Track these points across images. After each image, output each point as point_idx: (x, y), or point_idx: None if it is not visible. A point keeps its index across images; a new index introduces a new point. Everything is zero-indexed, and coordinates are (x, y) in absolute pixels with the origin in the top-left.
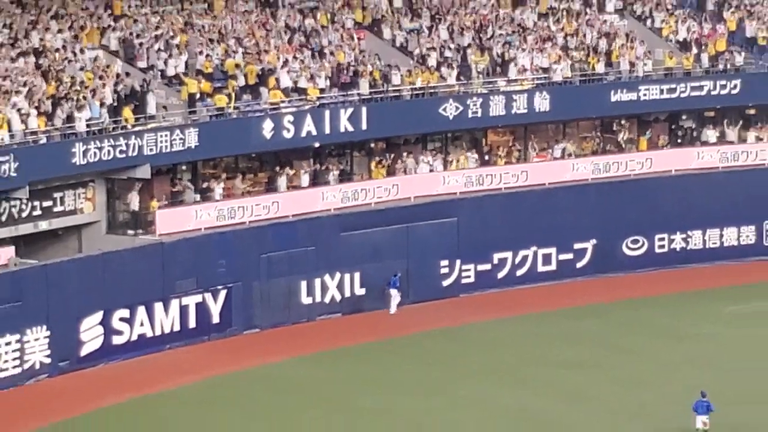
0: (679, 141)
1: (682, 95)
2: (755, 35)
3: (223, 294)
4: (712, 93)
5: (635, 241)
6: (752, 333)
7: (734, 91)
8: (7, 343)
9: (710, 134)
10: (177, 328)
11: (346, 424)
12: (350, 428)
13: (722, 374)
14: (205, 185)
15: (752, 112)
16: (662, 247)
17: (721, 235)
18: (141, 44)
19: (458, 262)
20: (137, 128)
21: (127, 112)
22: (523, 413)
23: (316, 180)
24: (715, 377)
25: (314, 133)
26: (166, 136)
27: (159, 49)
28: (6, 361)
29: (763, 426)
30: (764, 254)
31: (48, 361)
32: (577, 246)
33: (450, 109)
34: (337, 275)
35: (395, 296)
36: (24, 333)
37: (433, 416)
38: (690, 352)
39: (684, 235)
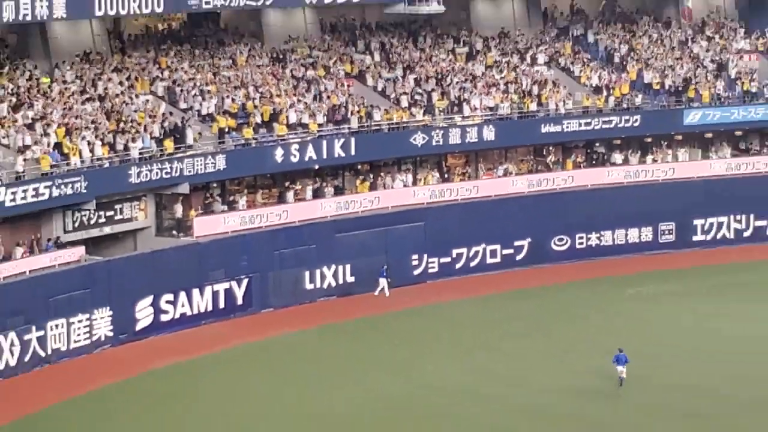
0: (593, 162)
1: (596, 127)
2: (651, 81)
3: (245, 282)
4: (619, 126)
5: (561, 239)
6: (648, 308)
7: (635, 124)
8: (80, 321)
9: (617, 157)
10: (210, 308)
11: (343, 379)
12: (345, 383)
13: (625, 339)
14: (231, 198)
15: (649, 140)
16: (581, 243)
17: (626, 234)
18: (181, 90)
19: (425, 256)
20: (178, 155)
21: (168, 143)
22: (477, 370)
23: (317, 194)
24: (620, 342)
25: (315, 157)
26: (201, 160)
27: (195, 94)
28: (78, 335)
29: (656, 374)
30: (659, 249)
31: (111, 334)
32: (516, 243)
33: (418, 139)
34: (333, 267)
35: (383, 283)
36: (92, 313)
37: (413, 371)
38: (602, 323)
39: (598, 234)
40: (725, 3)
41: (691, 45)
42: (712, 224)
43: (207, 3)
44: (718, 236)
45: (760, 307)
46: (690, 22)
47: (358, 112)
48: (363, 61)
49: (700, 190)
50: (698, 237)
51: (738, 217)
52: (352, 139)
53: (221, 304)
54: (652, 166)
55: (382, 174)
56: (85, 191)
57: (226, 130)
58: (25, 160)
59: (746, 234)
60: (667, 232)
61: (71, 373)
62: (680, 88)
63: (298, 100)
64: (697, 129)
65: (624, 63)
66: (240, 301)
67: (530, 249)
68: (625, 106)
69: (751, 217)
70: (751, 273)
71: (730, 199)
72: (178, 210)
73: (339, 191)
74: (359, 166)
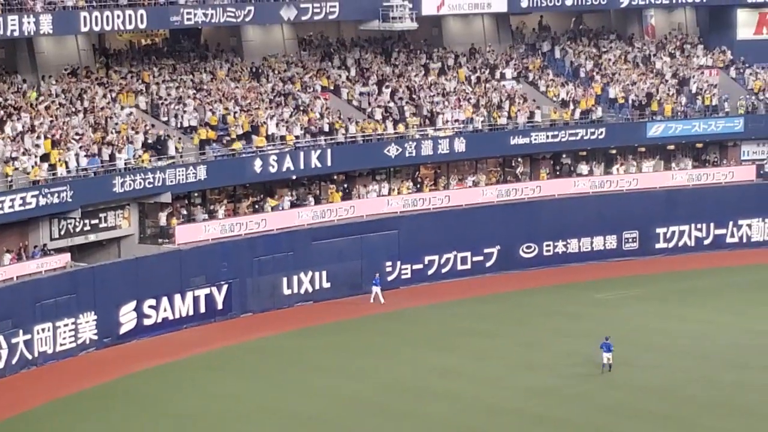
0: (559, 173)
1: (563, 140)
2: (615, 96)
3: (225, 287)
4: (584, 138)
5: (529, 247)
6: (613, 312)
7: (600, 137)
8: (65, 325)
9: (583, 168)
10: (191, 312)
11: (319, 380)
12: (321, 383)
13: (593, 340)
14: (211, 207)
15: (613, 151)
16: (549, 251)
17: (592, 242)
18: (163, 104)
19: (399, 262)
20: (161, 165)
21: (145, 156)
22: (447, 370)
23: (294, 203)
24: (589, 341)
25: (292, 168)
26: (182, 171)
27: (176, 108)
28: (64, 338)
29: (619, 374)
30: (623, 256)
31: (95, 338)
32: (486, 250)
33: (392, 151)
34: (310, 273)
35: (376, 290)
36: (77, 317)
37: (386, 372)
38: (568, 326)
39: (564, 242)
40: (687, 21)
41: (653, 61)
42: (673, 232)
43: (188, 20)
44: (680, 244)
45: (720, 311)
46: (653, 39)
47: (334, 124)
48: (339, 77)
49: (662, 199)
50: (660, 245)
51: (698, 226)
52: (328, 151)
53: (202, 309)
54: (617, 177)
55: (357, 184)
56: (70, 200)
57: (207, 141)
58: (15, 169)
59: (706, 242)
60: (630, 240)
61: (57, 375)
62: (643, 102)
63: (277, 113)
64: (659, 141)
65: (590, 78)
66: (220, 306)
67: (499, 256)
68: (590, 119)
69: (711, 225)
70: (711, 279)
71: (691, 208)
72: (163, 218)
73: (316, 200)
74: (335, 177)
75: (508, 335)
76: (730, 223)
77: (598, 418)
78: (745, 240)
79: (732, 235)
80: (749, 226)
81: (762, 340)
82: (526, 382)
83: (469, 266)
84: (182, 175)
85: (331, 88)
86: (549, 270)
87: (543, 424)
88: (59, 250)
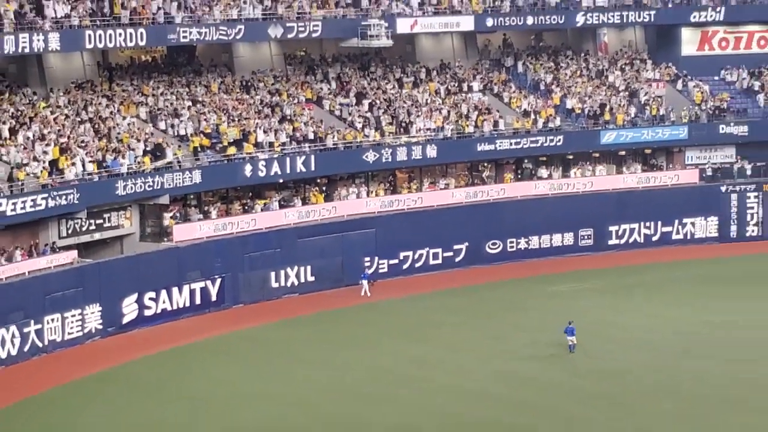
0: (521, 177)
1: (525, 146)
2: (572, 107)
3: (219, 281)
4: (544, 145)
5: (494, 243)
6: (571, 304)
7: (558, 144)
8: (73, 316)
9: (543, 172)
10: (188, 304)
11: (304, 368)
12: (306, 371)
13: (553, 329)
14: (206, 208)
15: (570, 157)
16: (512, 247)
17: (551, 239)
18: (162, 114)
19: (376, 258)
20: (160, 170)
21: (148, 160)
22: (418, 358)
23: (281, 204)
24: (548, 330)
25: (279, 172)
26: (179, 175)
27: (174, 117)
28: (72, 328)
29: (574, 359)
30: (579, 251)
31: (100, 327)
32: (455, 247)
33: (370, 156)
34: (296, 268)
35: (365, 284)
36: (84, 308)
37: (369, 361)
38: (529, 316)
39: (526, 239)
40: (636, 38)
41: (606, 75)
42: (625, 230)
43: (184, 38)
44: (630, 240)
45: (666, 302)
46: (606, 55)
47: (317, 133)
48: (321, 89)
49: (614, 200)
50: (613, 241)
51: (647, 224)
52: (312, 157)
53: (198, 301)
54: (573, 180)
55: (338, 187)
56: (77, 202)
57: (201, 148)
58: (26, 174)
59: (654, 239)
60: (586, 237)
61: (65, 361)
62: (597, 112)
63: (265, 122)
64: (611, 147)
65: (549, 90)
66: (214, 298)
67: (468, 252)
68: (549, 127)
69: (659, 224)
70: (658, 272)
71: (640, 208)
72: (166, 218)
73: (301, 202)
74: (318, 180)
75: (476, 326)
76: (676, 222)
77: (560, 401)
78: (689, 237)
79: (677, 233)
80: (693, 224)
81: (705, 329)
82: (489, 367)
83: (440, 261)
84: (179, 179)
85: (315, 99)
86: (512, 264)
87: (504, 405)
88: (67, 248)
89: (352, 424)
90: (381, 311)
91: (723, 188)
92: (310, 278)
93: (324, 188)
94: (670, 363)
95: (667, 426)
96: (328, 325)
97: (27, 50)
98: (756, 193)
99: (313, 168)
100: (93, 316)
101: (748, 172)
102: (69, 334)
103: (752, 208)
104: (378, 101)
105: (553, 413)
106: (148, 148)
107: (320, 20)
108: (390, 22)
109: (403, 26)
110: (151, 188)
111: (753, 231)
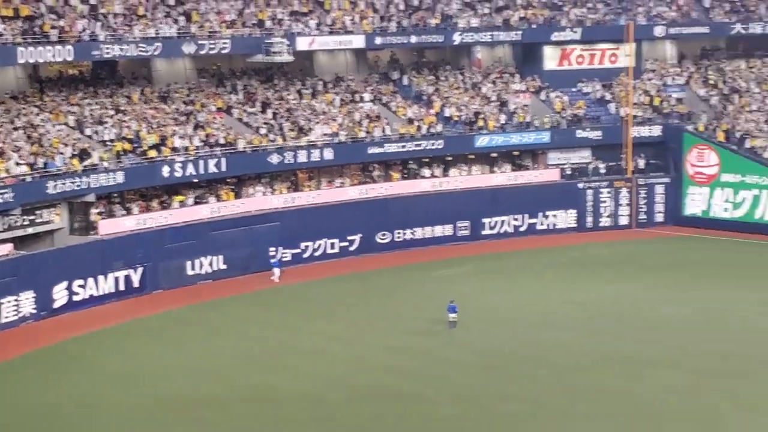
0: (407, 176)
1: (410, 149)
2: (451, 115)
3: (140, 270)
4: (427, 148)
5: (383, 234)
6: (449, 286)
7: (439, 147)
8: (8, 301)
9: (426, 172)
10: (113, 290)
11: (217, 344)
12: (220, 346)
13: (433, 309)
14: (128, 205)
15: (449, 158)
16: (399, 237)
17: (433, 230)
18: (88, 121)
19: (281, 248)
20: (86, 171)
21: (76, 162)
22: (321, 335)
23: (196, 201)
24: (432, 308)
25: (194, 173)
26: (104, 176)
27: (99, 125)
28: (8, 312)
29: (456, 336)
30: (457, 241)
31: (34, 311)
32: (350, 237)
33: (274, 159)
34: (209, 257)
35: (277, 271)
36: (18, 294)
37: (274, 336)
38: (415, 297)
39: (411, 231)
40: (505, 55)
41: (480, 87)
42: (497, 222)
43: (107, 53)
44: (501, 231)
45: (533, 283)
46: (479, 70)
47: (227, 138)
48: (230, 99)
49: (487, 196)
50: (486, 231)
51: (516, 217)
52: (224, 159)
53: (122, 287)
54: (452, 179)
55: (246, 185)
56: (12, 200)
57: (123, 152)
58: None
59: (522, 229)
60: (463, 228)
61: (2, 342)
62: (472, 120)
63: (181, 129)
64: (485, 150)
65: (430, 100)
66: (137, 285)
67: (361, 242)
68: (431, 133)
69: (526, 216)
70: (526, 258)
71: (510, 203)
72: (92, 214)
73: (214, 199)
74: (228, 180)
75: (370, 306)
76: (540, 214)
77: (448, 371)
78: (552, 227)
79: (542, 224)
80: (555, 216)
81: (566, 307)
82: (382, 342)
83: (337, 250)
84: (104, 179)
85: (225, 108)
86: (399, 253)
87: (396, 375)
88: (3, 241)
89: (262, 393)
90: (286, 294)
91: (580, 185)
92: (223, 266)
93: (234, 187)
94: (539, 336)
95: (545, 389)
96: (240, 306)
97: None
98: (608, 189)
99: (224, 169)
100: (27, 301)
101: (602, 171)
102: (6, 318)
103: (605, 202)
104: (281, 110)
105: (442, 381)
106: (75, 152)
107: (229, 38)
108: (291, 40)
109: (302, 44)
110: (78, 187)
111: (606, 222)
